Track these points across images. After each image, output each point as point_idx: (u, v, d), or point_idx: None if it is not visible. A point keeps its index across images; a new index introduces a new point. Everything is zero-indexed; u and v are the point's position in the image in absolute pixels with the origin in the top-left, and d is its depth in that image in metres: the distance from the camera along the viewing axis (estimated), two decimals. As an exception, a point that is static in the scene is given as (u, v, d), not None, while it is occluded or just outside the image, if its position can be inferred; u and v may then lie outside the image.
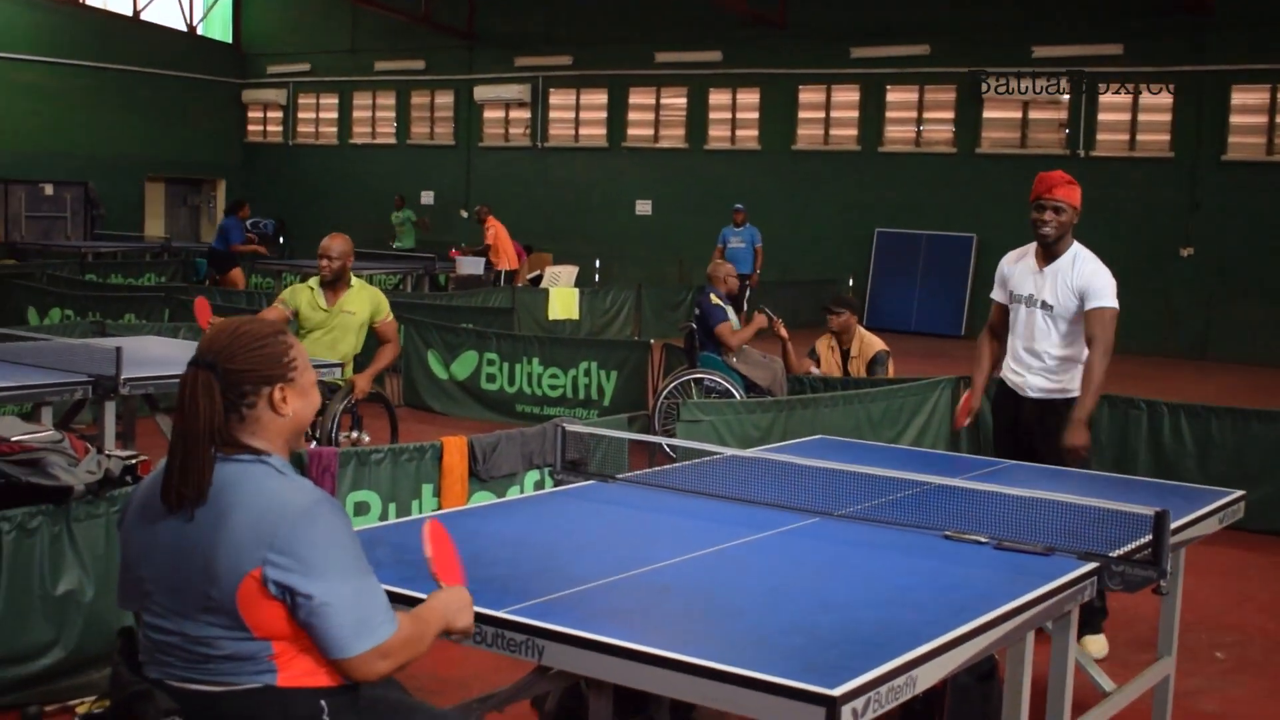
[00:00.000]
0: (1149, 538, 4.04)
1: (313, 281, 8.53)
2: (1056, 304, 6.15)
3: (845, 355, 10.21)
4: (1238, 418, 8.84)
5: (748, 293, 18.88)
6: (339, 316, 8.38)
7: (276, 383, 2.91)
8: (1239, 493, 5.26)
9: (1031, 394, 6.24)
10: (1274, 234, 20.47)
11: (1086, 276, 6.11)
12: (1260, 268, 20.27)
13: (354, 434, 8.42)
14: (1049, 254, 6.18)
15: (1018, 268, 6.35)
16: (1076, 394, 6.13)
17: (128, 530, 2.95)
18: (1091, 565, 3.94)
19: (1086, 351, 6.13)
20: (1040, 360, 6.22)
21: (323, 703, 2.79)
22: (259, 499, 2.78)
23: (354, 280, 8.50)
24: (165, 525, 2.84)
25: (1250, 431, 8.79)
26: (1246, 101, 21.38)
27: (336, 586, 2.74)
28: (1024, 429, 6.27)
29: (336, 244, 8.44)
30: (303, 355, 2.99)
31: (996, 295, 6.52)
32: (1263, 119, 21.23)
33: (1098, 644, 6.12)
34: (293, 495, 2.80)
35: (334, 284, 8.44)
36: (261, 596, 2.72)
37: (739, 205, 21.13)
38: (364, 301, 8.44)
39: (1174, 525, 4.20)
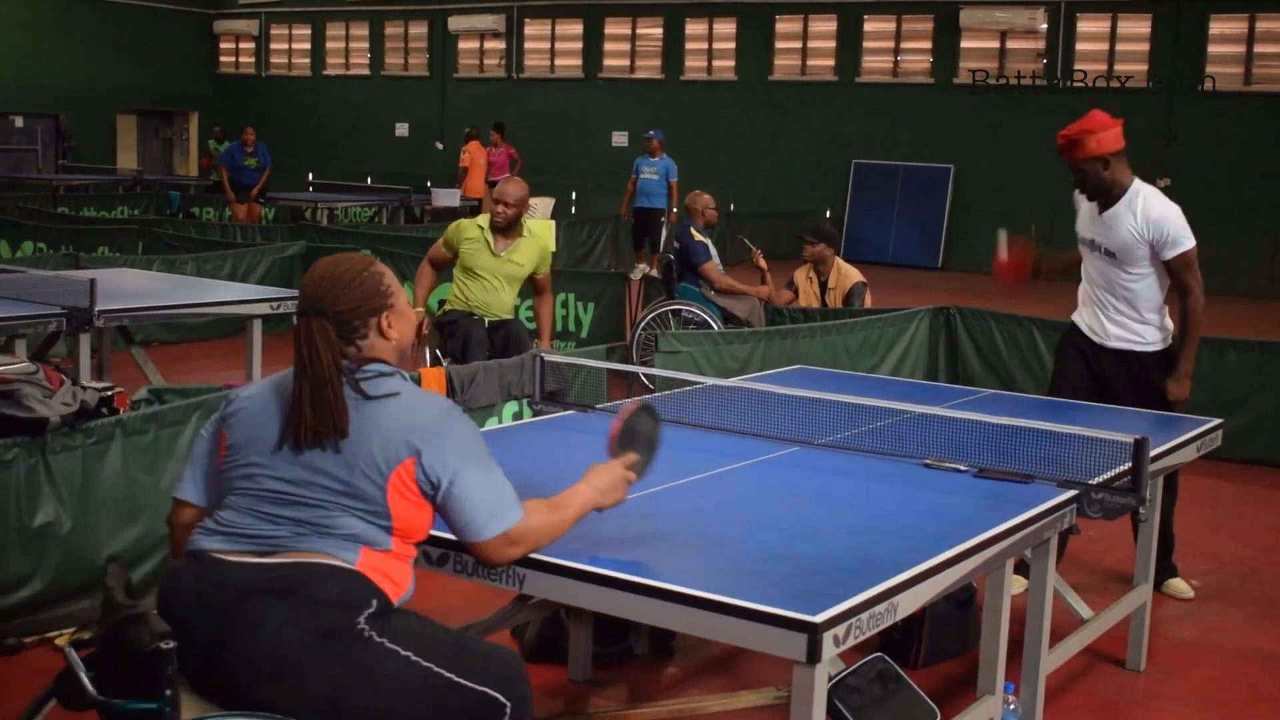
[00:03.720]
0: (1128, 465, 4.06)
1: (484, 219, 7.88)
2: (1119, 252, 5.76)
3: (823, 286, 10.19)
4: (1214, 347, 8.84)
5: (663, 231, 17.86)
6: (507, 266, 7.83)
7: (382, 312, 3.09)
8: (1216, 421, 5.28)
9: (1113, 344, 5.87)
10: (1250, 164, 20.48)
11: (1154, 225, 5.65)
12: (1236, 198, 20.30)
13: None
14: (1107, 199, 5.77)
15: (1084, 208, 5.94)
16: (1154, 345, 5.84)
17: (238, 419, 3.07)
18: (1071, 493, 3.96)
19: (1160, 299, 5.84)
20: (1112, 308, 5.86)
21: (374, 600, 2.90)
22: (400, 401, 3.01)
23: (528, 229, 7.90)
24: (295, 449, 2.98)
25: (1227, 360, 8.82)
26: (1224, 31, 21.33)
27: (476, 475, 3.00)
28: (1103, 379, 5.91)
29: (512, 189, 7.83)
30: (393, 277, 3.16)
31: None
32: (1240, 48, 21.18)
33: (1182, 586, 6.14)
34: (429, 398, 3.09)
35: (506, 230, 7.81)
36: (411, 486, 2.96)
37: (653, 133, 18.82)
38: (533, 254, 7.86)
39: (1152, 453, 4.22)
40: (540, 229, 7.89)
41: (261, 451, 3.00)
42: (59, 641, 4.81)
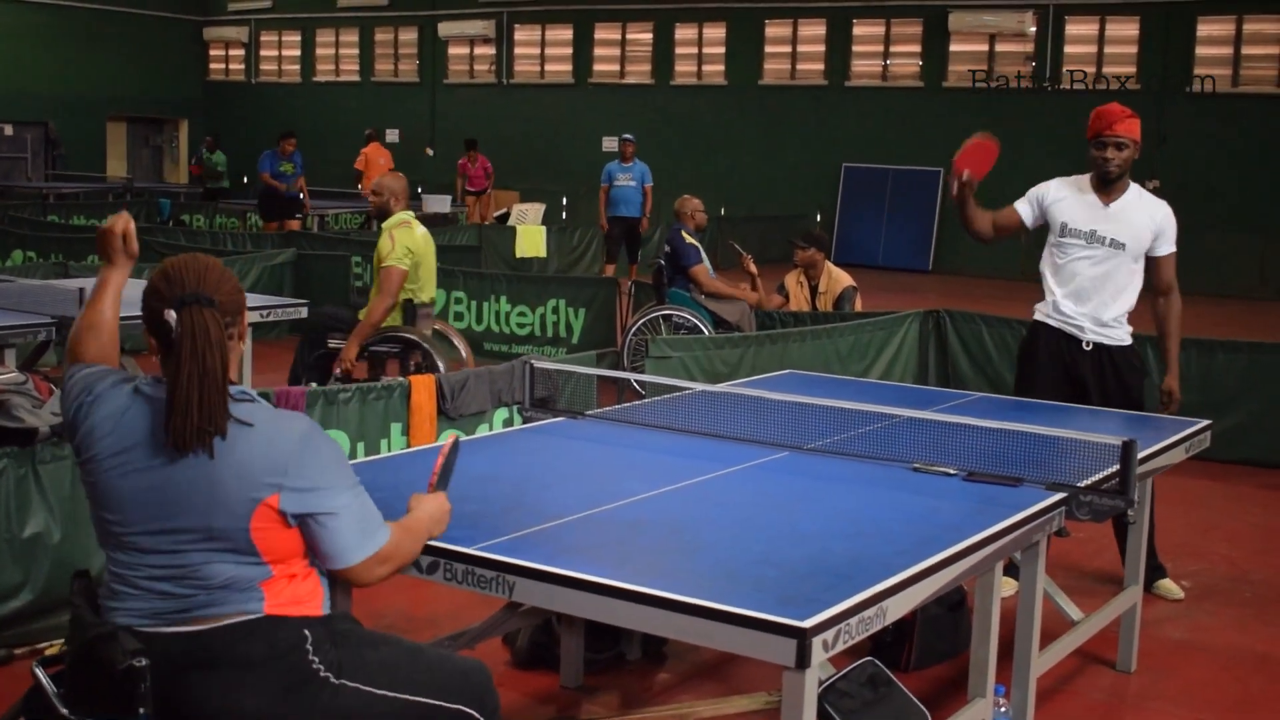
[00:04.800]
0: (1117, 467, 4.07)
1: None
2: (1131, 243, 5.76)
3: (813, 290, 10.21)
4: (1203, 348, 8.87)
5: (640, 239, 17.31)
6: (375, 256, 8.08)
7: (241, 312, 2.97)
8: (1205, 422, 5.28)
9: (1093, 339, 5.83)
10: (1239, 165, 20.54)
11: (1161, 219, 5.79)
12: (1226, 198, 20.36)
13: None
14: (1113, 190, 5.80)
15: (1070, 199, 5.87)
16: (1127, 341, 5.87)
17: (100, 474, 2.83)
18: (1059, 495, 3.96)
19: (1134, 296, 5.86)
20: (1103, 303, 5.83)
21: (305, 631, 2.83)
22: (257, 429, 2.80)
23: (389, 220, 8.10)
24: (150, 466, 2.78)
25: (1216, 361, 8.84)
26: (1212, 33, 21.39)
27: (341, 500, 2.86)
28: (1078, 378, 5.86)
29: (384, 181, 8.29)
30: None
31: (1021, 207, 5.98)
32: (1228, 50, 21.24)
33: (1173, 587, 6.15)
34: (289, 422, 2.87)
35: (381, 220, 8.18)
36: (276, 522, 2.79)
37: (628, 136, 17.58)
38: (383, 245, 8.01)
39: (1141, 455, 4.22)
40: (401, 236, 8.04)
41: (119, 506, 2.80)
42: (48, 652, 4.81)
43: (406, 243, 7.92)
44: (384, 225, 8.11)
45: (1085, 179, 5.93)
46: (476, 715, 2.98)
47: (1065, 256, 5.90)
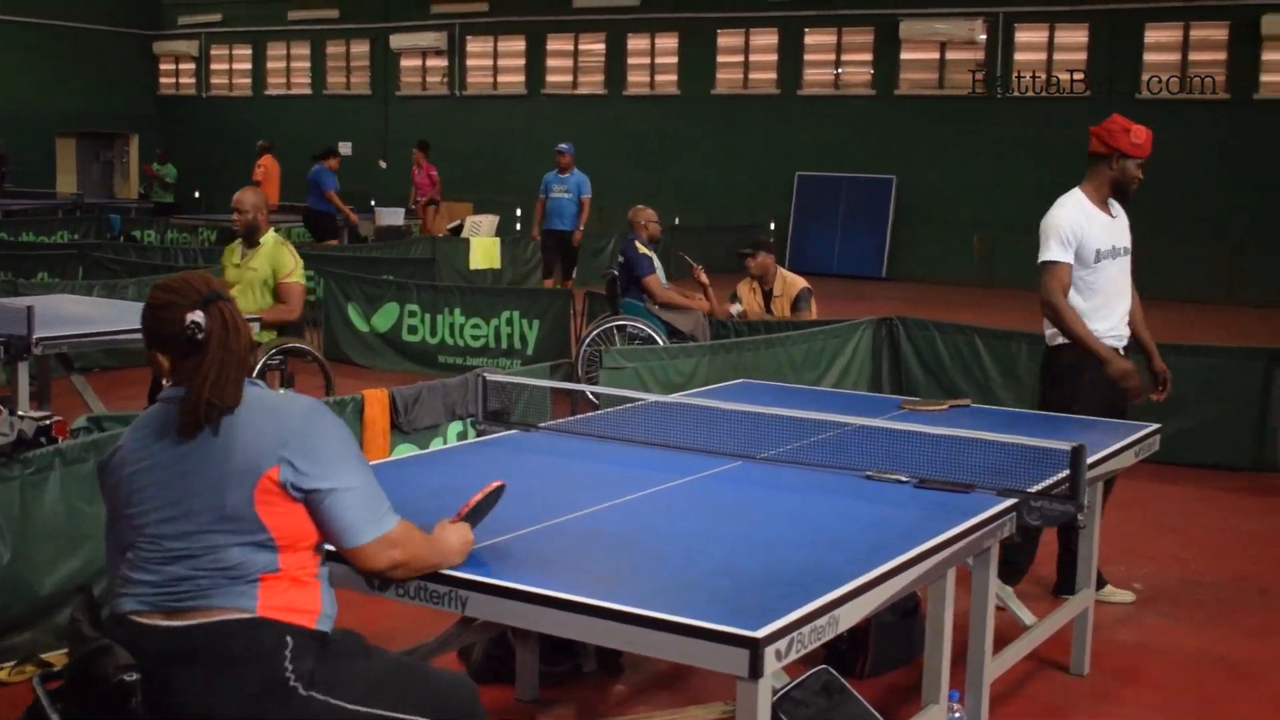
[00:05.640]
0: (1067, 472, 4.09)
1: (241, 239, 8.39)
2: (1129, 246, 6.02)
3: (768, 296, 10.24)
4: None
5: (577, 255, 16.31)
6: (246, 272, 8.19)
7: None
8: (1154, 426, 5.33)
9: (1122, 347, 5.99)
10: (1188, 171, 20.71)
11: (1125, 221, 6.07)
12: (1176, 204, 20.53)
13: (281, 392, 8.29)
14: (1113, 203, 5.97)
15: (1090, 225, 5.83)
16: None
17: (118, 476, 3.00)
18: (1010, 501, 3.99)
19: None
20: (1122, 309, 5.97)
21: (289, 638, 2.86)
22: (260, 408, 2.96)
23: (268, 236, 8.27)
24: (166, 456, 2.94)
25: (1167, 365, 8.87)
26: (1159, 39, 21.59)
27: (348, 478, 2.95)
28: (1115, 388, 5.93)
29: (247, 197, 8.25)
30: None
31: (1063, 257, 5.80)
32: (1175, 56, 21.44)
33: (1121, 593, 6.16)
34: (291, 400, 3.05)
35: (249, 238, 8.24)
36: (279, 494, 2.88)
37: (563, 146, 16.40)
38: (266, 259, 8.17)
39: (1090, 459, 4.26)
40: (271, 249, 8.20)
41: (140, 498, 2.95)
42: (1, 675, 4.77)
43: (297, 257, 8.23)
44: (267, 240, 8.22)
45: (1082, 198, 5.92)
46: None
47: (1097, 275, 5.88)
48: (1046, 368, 6.11)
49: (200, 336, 2.93)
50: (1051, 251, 5.81)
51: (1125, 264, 5.99)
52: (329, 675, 2.89)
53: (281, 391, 3.07)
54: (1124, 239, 5.98)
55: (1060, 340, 5.91)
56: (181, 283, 3.02)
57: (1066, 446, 4.08)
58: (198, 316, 2.93)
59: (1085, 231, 5.81)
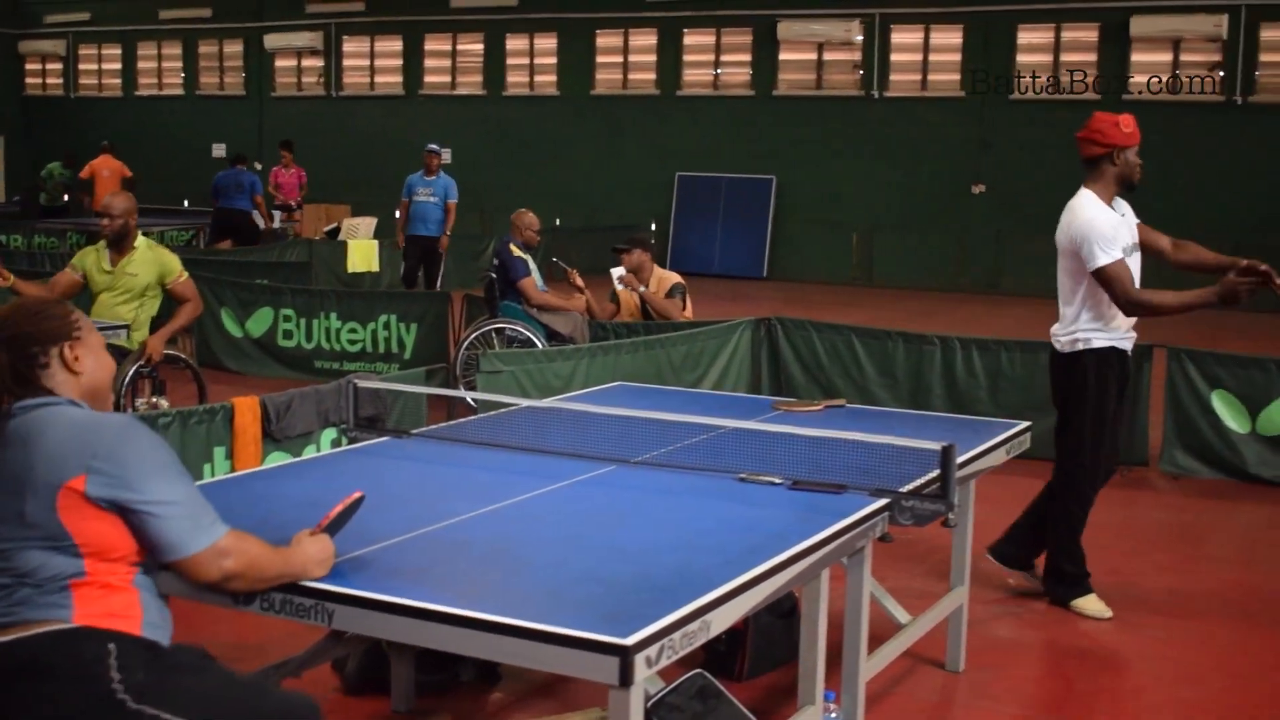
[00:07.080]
0: (938, 472, 4.12)
1: (102, 243, 8.22)
2: (1138, 243, 6.04)
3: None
4: (1027, 350, 9.09)
5: (442, 263, 15.59)
6: (122, 278, 8.05)
7: (63, 341, 3.06)
8: (1024, 424, 5.40)
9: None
10: (1059, 169, 21.06)
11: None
12: (1048, 203, 20.75)
13: (154, 399, 8.13)
14: (1118, 201, 6.00)
15: (1114, 220, 5.86)
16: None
17: None
18: (883, 501, 4.01)
19: None
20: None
21: (111, 645, 2.79)
22: (68, 421, 2.95)
23: (140, 241, 8.14)
24: None
25: (1039, 363, 9.00)
26: (1032, 40, 21.96)
27: (167, 490, 2.92)
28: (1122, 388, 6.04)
29: (118, 201, 8.10)
30: (85, 319, 3.15)
31: (1118, 254, 5.77)
32: (1048, 57, 21.82)
33: (1095, 605, 6.07)
34: (105, 417, 3.03)
35: (118, 244, 8.09)
36: (84, 504, 2.85)
37: (433, 147, 15.92)
38: (148, 263, 8.08)
39: (961, 459, 4.29)
40: (150, 254, 8.18)
41: None
42: None
43: None
44: (140, 245, 8.13)
45: (1094, 198, 5.93)
46: None
47: (1125, 271, 5.83)
48: (1065, 373, 6.04)
49: None
50: (1103, 255, 5.74)
51: (1137, 260, 5.96)
52: (161, 688, 2.81)
53: (100, 413, 3.00)
54: (1134, 236, 5.99)
55: (1081, 346, 5.92)
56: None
57: (937, 446, 4.11)
58: None
59: (1118, 228, 5.84)
